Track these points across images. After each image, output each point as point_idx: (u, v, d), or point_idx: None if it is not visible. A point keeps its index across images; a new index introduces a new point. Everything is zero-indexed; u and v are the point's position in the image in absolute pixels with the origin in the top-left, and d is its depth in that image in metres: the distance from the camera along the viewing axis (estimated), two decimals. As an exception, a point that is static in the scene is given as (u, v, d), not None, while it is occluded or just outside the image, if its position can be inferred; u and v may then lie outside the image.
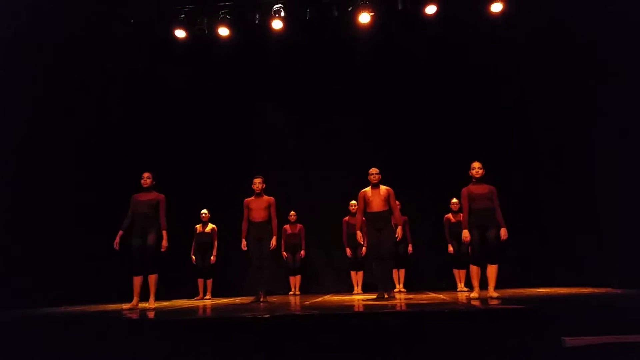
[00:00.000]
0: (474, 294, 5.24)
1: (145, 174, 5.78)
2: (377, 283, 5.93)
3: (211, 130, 8.79)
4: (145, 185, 5.74)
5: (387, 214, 5.89)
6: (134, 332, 3.89)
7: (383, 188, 5.92)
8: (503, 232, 5.22)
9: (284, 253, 7.99)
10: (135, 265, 5.60)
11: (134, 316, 4.59)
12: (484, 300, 4.95)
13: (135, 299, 5.64)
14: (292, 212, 8.03)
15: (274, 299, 6.67)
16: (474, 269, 5.32)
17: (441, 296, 5.86)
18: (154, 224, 5.63)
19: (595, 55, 6.42)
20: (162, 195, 5.77)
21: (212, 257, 7.73)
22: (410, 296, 6.08)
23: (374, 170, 5.95)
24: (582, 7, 6.56)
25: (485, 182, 5.40)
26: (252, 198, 6.29)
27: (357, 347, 3.54)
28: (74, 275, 6.88)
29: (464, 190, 5.42)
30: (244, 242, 6.27)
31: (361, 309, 4.45)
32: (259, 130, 8.91)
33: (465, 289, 7.25)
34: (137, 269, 5.61)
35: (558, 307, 4.16)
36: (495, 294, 5.19)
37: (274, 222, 6.24)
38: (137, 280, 5.64)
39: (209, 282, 7.83)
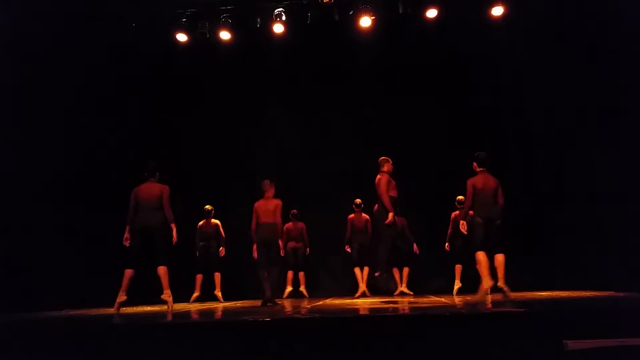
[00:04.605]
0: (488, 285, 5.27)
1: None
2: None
3: (213, 133, 8.80)
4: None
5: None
6: (136, 335, 3.89)
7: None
8: None
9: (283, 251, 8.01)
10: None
11: (152, 319, 4.58)
12: (485, 303, 4.95)
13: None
14: (294, 211, 8.07)
15: (279, 302, 6.66)
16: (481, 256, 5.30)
17: (443, 299, 5.86)
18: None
19: (597, 59, 6.43)
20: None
21: (221, 249, 7.69)
22: (412, 299, 6.08)
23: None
24: (584, 10, 6.57)
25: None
26: (261, 201, 6.25)
27: (359, 351, 3.54)
28: (67, 280, 6.85)
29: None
30: (255, 248, 6.14)
31: (363, 312, 4.45)
32: (260, 134, 8.91)
33: (459, 284, 7.33)
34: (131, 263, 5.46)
35: (560, 310, 4.16)
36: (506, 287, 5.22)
37: (279, 225, 6.20)
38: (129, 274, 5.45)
39: (217, 275, 7.75)
